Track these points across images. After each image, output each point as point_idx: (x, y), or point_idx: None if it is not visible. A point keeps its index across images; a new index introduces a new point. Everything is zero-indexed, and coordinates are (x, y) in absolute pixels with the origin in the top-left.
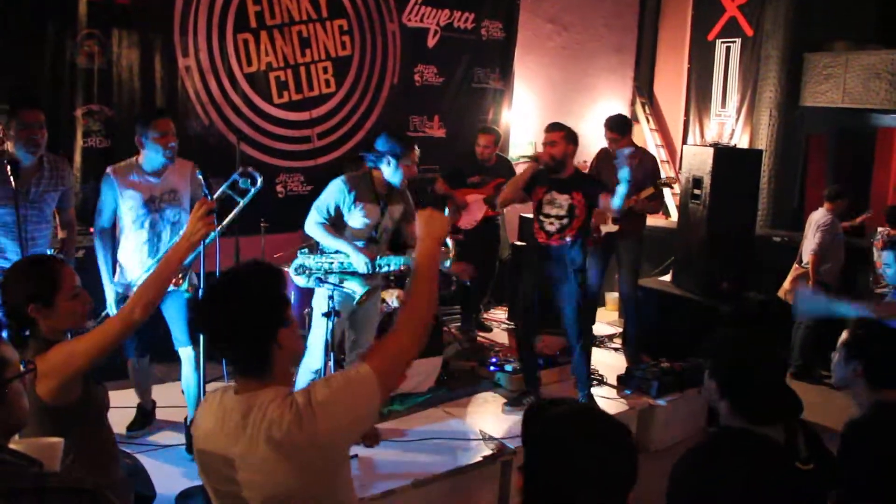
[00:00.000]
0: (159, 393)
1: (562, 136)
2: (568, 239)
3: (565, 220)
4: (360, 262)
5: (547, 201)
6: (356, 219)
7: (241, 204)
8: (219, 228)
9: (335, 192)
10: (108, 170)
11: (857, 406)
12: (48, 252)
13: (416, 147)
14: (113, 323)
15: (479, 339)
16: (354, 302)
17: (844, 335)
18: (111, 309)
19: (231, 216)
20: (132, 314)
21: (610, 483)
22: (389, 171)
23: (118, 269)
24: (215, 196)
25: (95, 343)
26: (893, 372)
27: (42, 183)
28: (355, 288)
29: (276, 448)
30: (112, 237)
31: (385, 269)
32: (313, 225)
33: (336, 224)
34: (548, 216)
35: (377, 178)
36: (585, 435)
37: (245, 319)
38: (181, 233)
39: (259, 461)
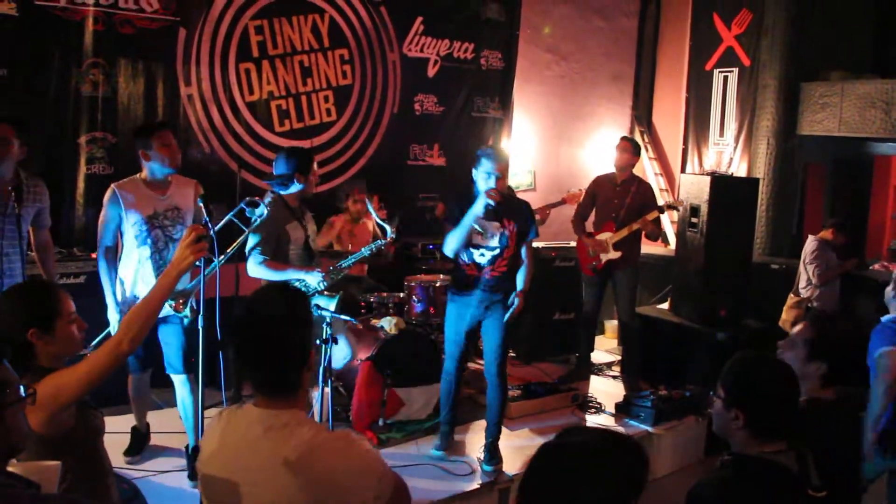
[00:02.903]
0: (157, 418)
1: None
2: (501, 271)
3: (497, 251)
4: (314, 280)
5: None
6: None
7: (246, 233)
8: (223, 257)
9: (268, 227)
10: (113, 186)
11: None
12: (21, 270)
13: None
14: (102, 355)
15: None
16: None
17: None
18: (114, 329)
19: (236, 244)
20: (120, 346)
21: None
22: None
23: (119, 287)
24: (220, 225)
25: (84, 375)
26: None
27: (21, 198)
28: (328, 305)
29: (296, 469)
30: (115, 256)
31: (344, 269)
32: (255, 267)
33: (277, 257)
34: (478, 247)
35: (288, 199)
36: (578, 471)
37: (288, 343)
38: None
39: (279, 482)
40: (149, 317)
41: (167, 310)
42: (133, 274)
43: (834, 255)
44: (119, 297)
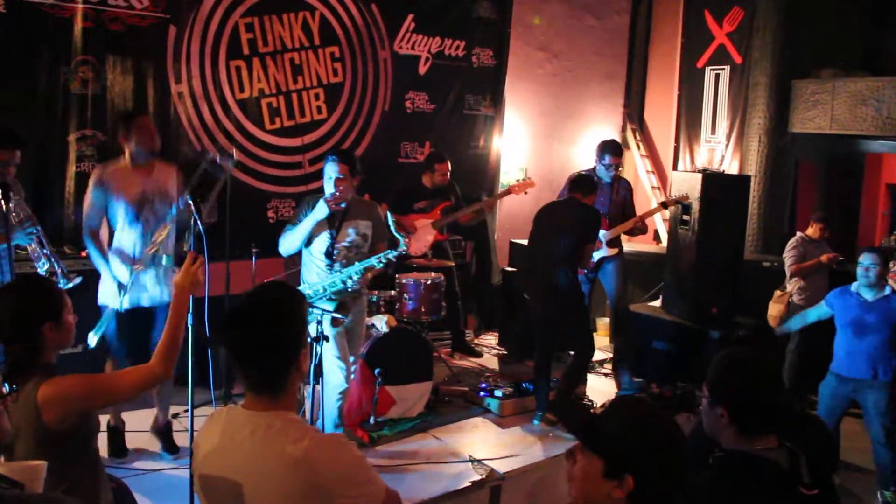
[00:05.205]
0: (142, 418)
1: None
2: None
3: None
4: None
5: None
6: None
7: (223, 179)
8: (186, 192)
9: (303, 207)
10: (98, 169)
11: None
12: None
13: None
14: (139, 375)
15: (470, 363)
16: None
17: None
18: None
19: (216, 189)
20: (155, 372)
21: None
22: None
23: (115, 261)
24: (195, 178)
25: (119, 390)
26: None
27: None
28: (343, 313)
29: (295, 465)
30: (99, 238)
31: (351, 282)
32: (281, 240)
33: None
34: None
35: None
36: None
37: (277, 341)
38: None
39: (286, 481)
40: (179, 337)
41: (160, 299)
42: (125, 255)
43: (815, 250)
44: (115, 273)
